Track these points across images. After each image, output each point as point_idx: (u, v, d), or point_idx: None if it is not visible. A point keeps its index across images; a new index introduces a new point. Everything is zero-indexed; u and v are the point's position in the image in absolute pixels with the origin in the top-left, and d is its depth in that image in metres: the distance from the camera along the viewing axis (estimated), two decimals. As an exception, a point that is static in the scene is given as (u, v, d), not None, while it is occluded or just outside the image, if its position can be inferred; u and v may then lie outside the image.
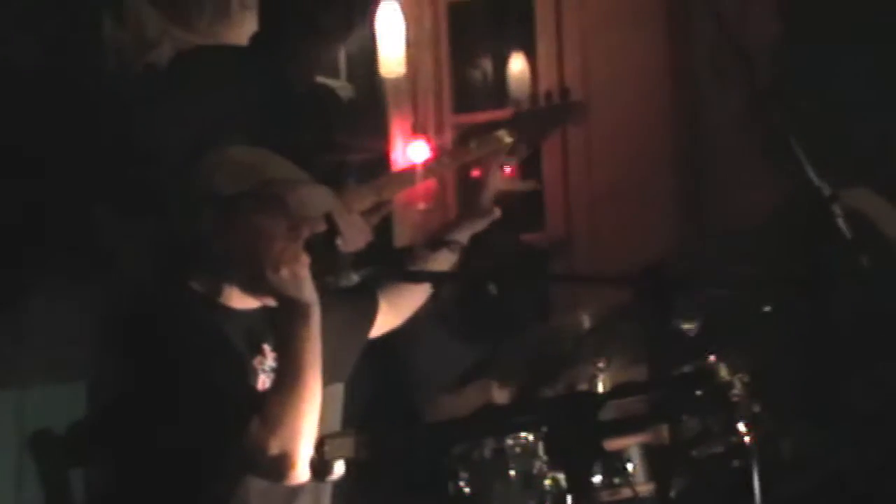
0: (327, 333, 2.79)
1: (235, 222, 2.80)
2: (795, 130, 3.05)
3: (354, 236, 3.42)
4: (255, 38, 3.86)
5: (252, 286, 2.83)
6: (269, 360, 2.88)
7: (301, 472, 2.64)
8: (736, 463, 3.35)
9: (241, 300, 2.88)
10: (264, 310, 2.87)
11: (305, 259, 2.76)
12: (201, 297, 2.87)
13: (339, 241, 2.86)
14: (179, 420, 2.68)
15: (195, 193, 2.86)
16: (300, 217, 2.80)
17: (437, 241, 4.04)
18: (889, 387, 3.64)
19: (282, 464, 2.64)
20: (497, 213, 3.60)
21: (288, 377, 2.69)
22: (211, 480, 2.75)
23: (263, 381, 2.82)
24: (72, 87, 3.84)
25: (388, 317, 3.28)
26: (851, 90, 3.77)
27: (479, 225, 3.58)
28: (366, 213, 3.62)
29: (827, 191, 2.97)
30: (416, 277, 3.13)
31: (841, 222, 2.95)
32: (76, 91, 3.85)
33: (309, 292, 2.73)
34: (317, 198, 2.89)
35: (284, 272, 2.73)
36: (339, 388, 3.06)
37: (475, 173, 5.23)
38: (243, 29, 4.25)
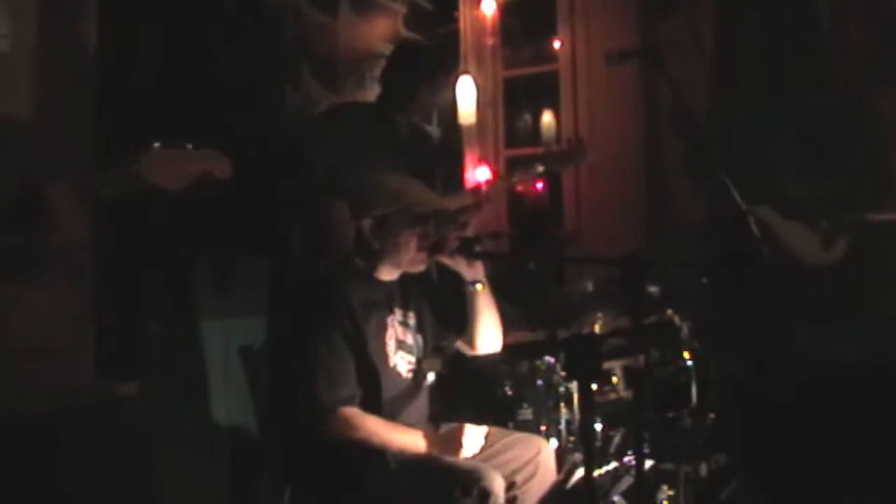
0: None
1: (386, 230, 2.94)
2: (723, 167, 3.07)
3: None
4: (379, 98, 3.93)
5: (393, 266, 3.00)
6: (398, 315, 3.01)
7: None
8: (682, 378, 3.41)
9: (385, 275, 3.02)
10: (396, 281, 3.03)
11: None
12: (361, 270, 3.00)
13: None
14: (349, 334, 2.85)
15: (359, 210, 2.98)
16: (428, 216, 2.95)
17: (493, 233, 4.11)
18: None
19: None
20: None
21: None
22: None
23: (393, 324, 2.98)
24: (268, 131, 3.92)
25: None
26: (758, 141, 3.75)
27: None
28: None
29: (744, 207, 2.99)
30: (481, 256, 3.12)
31: (753, 227, 2.97)
32: (272, 134, 3.93)
33: None
34: (430, 199, 3.02)
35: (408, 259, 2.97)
36: None
37: (519, 188, 5.30)
38: (373, 92, 4.22)
